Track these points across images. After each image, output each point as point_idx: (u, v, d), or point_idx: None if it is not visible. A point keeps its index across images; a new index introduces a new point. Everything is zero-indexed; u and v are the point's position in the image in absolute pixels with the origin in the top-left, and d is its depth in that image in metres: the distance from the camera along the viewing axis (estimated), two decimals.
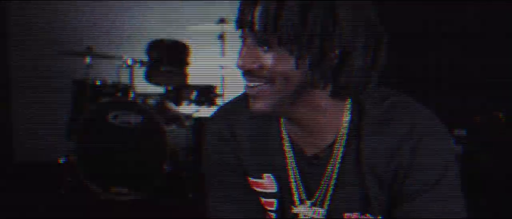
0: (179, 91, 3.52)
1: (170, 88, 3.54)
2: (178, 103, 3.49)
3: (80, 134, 3.08)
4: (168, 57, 3.41)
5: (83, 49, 3.32)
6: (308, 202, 1.01)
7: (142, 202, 2.99)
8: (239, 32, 0.89)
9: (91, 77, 3.30)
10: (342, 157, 0.96)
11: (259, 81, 0.88)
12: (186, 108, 3.49)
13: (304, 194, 1.01)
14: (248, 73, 0.89)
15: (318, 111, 0.93)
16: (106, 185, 3.03)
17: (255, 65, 0.87)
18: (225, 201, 1.05)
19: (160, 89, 3.62)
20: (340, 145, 0.96)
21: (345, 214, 0.98)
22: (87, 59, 3.29)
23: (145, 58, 3.43)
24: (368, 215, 0.96)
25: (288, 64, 0.85)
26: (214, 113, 1.09)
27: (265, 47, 0.86)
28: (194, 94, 3.50)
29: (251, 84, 0.89)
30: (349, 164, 0.96)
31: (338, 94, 0.91)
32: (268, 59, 0.86)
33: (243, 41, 0.89)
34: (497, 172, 2.84)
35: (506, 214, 2.54)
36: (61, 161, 3.30)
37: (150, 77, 3.47)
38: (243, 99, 1.01)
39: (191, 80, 3.61)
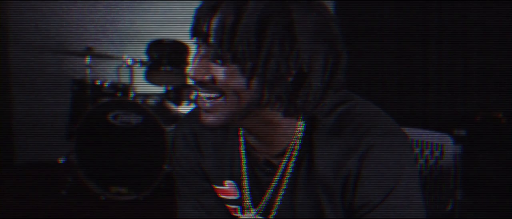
0: (179, 91, 3.52)
1: (170, 88, 3.54)
2: (178, 103, 3.49)
3: (80, 134, 3.08)
4: (168, 57, 3.41)
5: (83, 49, 3.32)
6: (253, 210, 0.99)
7: (142, 202, 2.99)
8: (194, 39, 0.86)
9: (91, 77, 3.31)
10: (294, 167, 0.93)
11: (211, 93, 0.85)
12: (186, 108, 3.49)
13: (249, 201, 0.99)
14: (200, 84, 0.85)
15: (270, 124, 0.89)
16: (106, 185, 3.03)
17: (207, 77, 0.84)
18: (191, 206, 1.05)
19: (160, 89, 3.62)
20: (291, 155, 0.92)
21: None
22: (87, 59, 3.29)
23: (145, 58, 3.44)
24: None
25: (240, 81, 0.81)
26: (182, 118, 1.08)
27: (219, 61, 0.82)
28: (194, 94, 3.50)
29: (203, 95, 0.86)
30: (300, 174, 0.93)
31: (291, 114, 0.87)
32: (220, 72, 0.82)
33: (197, 50, 0.86)
34: (497, 172, 2.84)
35: (505, 214, 2.54)
36: (61, 161, 3.30)
37: (150, 77, 3.47)
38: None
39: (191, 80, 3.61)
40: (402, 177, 0.86)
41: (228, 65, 0.81)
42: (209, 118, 0.87)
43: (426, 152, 1.42)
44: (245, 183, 0.98)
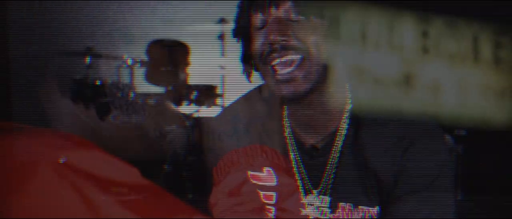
0: (179, 91, 3.52)
1: (170, 88, 3.54)
2: (178, 103, 3.49)
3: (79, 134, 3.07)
4: (168, 57, 3.41)
5: (83, 49, 3.32)
6: (315, 192, 1.02)
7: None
8: (259, 16, 0.90)
9: (91, 77, 3.30)
10: (342, 148, 0.98)
11: (293, 55, 0.89)
12: (186, 108, 3.49)
13: (309, 184, 1.02)
14: (282, 46, 0.88)
15: (327, 95, 0.94)
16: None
17: (287, 37, 0.88)
18: None
19: (160, 89, 3.62)
20: (340, 135, 0.97)
21: (340, 204, 1.00)
22: (87, 59, 3.29)
23: (145, 58, 3.44)
24: (360, 206, 0.97)
25: (319, 33, 0.87)
26: (218, 115, 1.11)
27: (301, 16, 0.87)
28: (194, 94, 3.50)
29: (284, 59, 0.89)
30: (347, 155, 0.98)
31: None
32: (300, 28, 0.87)
33: (265, 21, 0.90)
34: (497, 172, 2.84)
35: (506, 214, 2.54)
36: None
37: (150, 77, 3.47)
38: (249, 97, 1.04)
39: (191, 80, 3.61)
40: (442, 172, 0.91)
41: (306, 20, 0.86)
42: (293, 87, 0.90)
43: None
44: (300, 167, 1.02)
